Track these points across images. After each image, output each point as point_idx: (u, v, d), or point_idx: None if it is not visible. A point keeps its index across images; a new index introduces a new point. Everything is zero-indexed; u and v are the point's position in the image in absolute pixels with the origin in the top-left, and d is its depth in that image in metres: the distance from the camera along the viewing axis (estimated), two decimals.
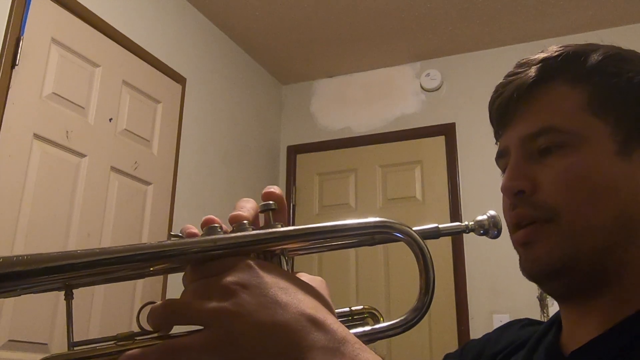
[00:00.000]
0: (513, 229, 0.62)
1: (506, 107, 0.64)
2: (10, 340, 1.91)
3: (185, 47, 2.97)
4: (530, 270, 0.60)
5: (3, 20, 2.04)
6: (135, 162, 2.54)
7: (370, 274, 3.29)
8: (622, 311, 0.56)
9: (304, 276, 0.49)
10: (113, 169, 2.42)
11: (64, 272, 0.44)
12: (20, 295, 0.44)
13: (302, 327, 0.42)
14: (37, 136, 2.11)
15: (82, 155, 2.29)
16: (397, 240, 0.51)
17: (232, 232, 0.48)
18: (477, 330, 2.98)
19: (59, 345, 2.04)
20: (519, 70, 0.64)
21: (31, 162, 2.08)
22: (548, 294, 0.64)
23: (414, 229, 0.52)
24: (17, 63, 2.05)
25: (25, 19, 2.10)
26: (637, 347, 0.53)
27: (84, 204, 2.26)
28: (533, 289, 2.71)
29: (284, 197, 0.53)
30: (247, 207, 0.51)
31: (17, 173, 2.02)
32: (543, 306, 2.81)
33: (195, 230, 0.50)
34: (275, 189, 0.52)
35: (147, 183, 2.60)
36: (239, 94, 3.39)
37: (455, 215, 3.21)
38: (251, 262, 0.45)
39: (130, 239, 2.47)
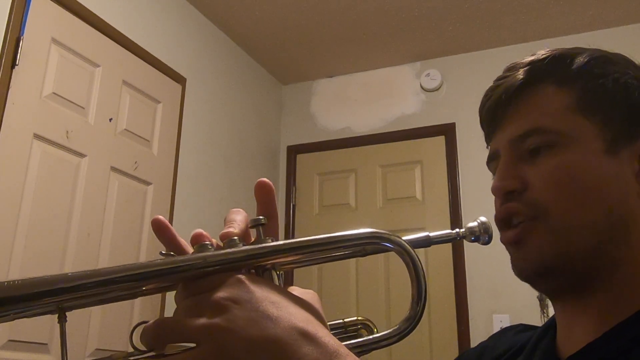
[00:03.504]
0: (503, 227, 0.62)
1: (495, 110, 0.65)
2: (10, 340, 1.92)
3: (185, 47, 2.97)
4: (522, 269, 0.60)
5: (3, 20, 2.04)
6: (135, 162, 2.54)
7: (371, 284, 3.29)
8: (616, 310, 0.56)
9: (295, 290, 0.49)
10: (113, 169, 2.42)
11: (55, 296, 0.44)
12: (13, 320, 0.44)
13: (293, 341, 0.42)
14: (37, 136, 2.11)
15: (82, 155, 2.29)
16: (388, 250, 0.51)
17: (222, 248, 0.48)
18: (477, 330, 2.98)
19: (59, 346, 2.03)
20: (507, 74, 0.65)
21: (31, 162, 2.08)
22: (541, 292, 0.64)
23: (405, 238, 0.52)
24: (17, 63, 2.05)
25: (25, 19, 2.10)
26: (633, 351, 0.53)
27: (84, 204, 2.26)
28: (533, 289, 2.70)
29: (276, 196, 0.53)
30: (238, 219, 0.51)
31: (17, 173, 2.03)
32: (543, 306, 2.81)
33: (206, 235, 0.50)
34: (266, 182, 0.52)
35: (147, 183, 2.60)
36: (239, 94, 3.39)
37: (455, 215, 3.21)
38: (242, 277, 0.45)
39: (130, 239, 2.47)
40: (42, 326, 2.01)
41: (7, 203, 1.98)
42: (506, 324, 2.33)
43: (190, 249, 0.50)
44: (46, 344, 2.02)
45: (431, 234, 0.57)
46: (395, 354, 3.04)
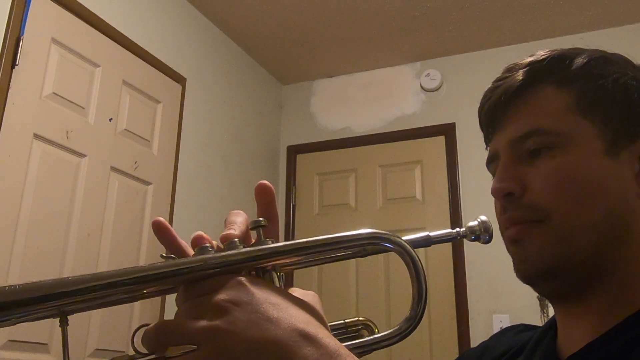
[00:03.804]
0: (505, 230, 0.62)
1: (494, 111, 0.65)
2: (10, 340, 1.92)
3: (185, 47, 2.97)
4: (524, 272, 0.60)
5: (3, 20, 2.04)
6: (135, 162, 2.54)
7: (371, 285, 3.28)
8: (616, 311, 0.57)
9: (296, 291, 0.49)
10: (113, 169, 2.42)
11: (57, 300, 0.44)
12: (15, 324, 0.44)
13: (293, 342, 0.42)
14: (37, 136, 2.11)
15: (82, 155, 2.29)
16: (388, 250, 0.51)
17: (222, 250, 0.48)
18: (477, 330, 2.98)
19: (59, 346, 2.04)
20: (507, 74, 0.65)
21: (31, 162, 2.08)
22: (542, 295, 0.64)
23: (405, 238, 0.52)
24: (17, 63, 2.05)
25: (25, 19, 2.10)
26: (632, 351, 0.53)
27: (84, 204, 2.26)
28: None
29: (276, 198, 0.53)
30: (238, 221, 0.51)
31: (17, 173, 2.03)
32: (543, 306, 2.81)
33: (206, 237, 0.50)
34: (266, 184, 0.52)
35: (147, 183, 2.60)
36: (239, 94, 3.39)
37: (455, 215, 3.21)
38: (242, 279, 0.45)
39: (130, 239, 2.47)
40: (42, 326, 2.01)
41: (7, 203, 1.98)
42: (506, 324, 2.34)
43: (190, 251, 0.50)
44: (46, 344, 2.02)
45: (431, 234, 0.56)
46: (395, 354, 3.04)
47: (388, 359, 3.06)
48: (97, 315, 2.22)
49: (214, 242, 0.50)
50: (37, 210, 2.07)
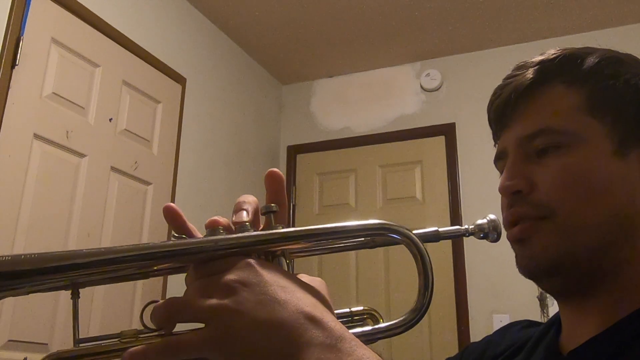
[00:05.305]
0: (509, 227, 0.62)
1: (504, 108, 0.65)
2: (10, 340, 1.92)
3: (185, 47, 2.97)
4: (527, 267, 0.61)
5: (3, 20, 2.04)
6: (135, 162, 2.54)
7: (371, 276, 3.29)
8: (619, 310, 0.57)
9: (303, 277, 0.50)
10: (113, 169, 2.43)
11: (70, 271, 0.45)
12: (28, 293, 0.46)
13: (299, 325, 0.43)
14: (37, 136, 2.11)
15: (82, 155, 2.29)
16: (396, 242, 0.52)
17: (233, 232, 0.49)
18: (477, 330, 2.98)
19: (59, 345, 2.04)
20: (517, 72, 0.65)
21: (31, 162, 2.08)
22: (545, 290, 0.65)
23: (414, 232, 0.52)
24: (17, 63, 2.05)
25: (25, 19, 2.10)
26: (633, 346, 0.53)
27: (84, 204, 2.26)
28: (533, 288, 2.71)
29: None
30: (249, 205, 0.52)
31: (17, 173, 2.03)
32: (543, 306, 2.81)
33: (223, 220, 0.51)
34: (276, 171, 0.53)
35: (147, 183, 2.60)
36: (239, 94, 3.39)
37: (455, 215, 3.21)
38: (251, 261, 0.46)
39: (130, 239, 2.47)
40: (42, 326, 2.01)
41: (7, 203, 1.98)
42: (506, 323, 2.34)
43: (200, 236, 0.51)
44: (46, 344, 2.02)
45: (440, 229, 0.57)
46: (395, 354, 3.04)
47: (388, 358, 3.06)
48: (98, 307, 2.22)
49: (226, 220, 0.50)
50: (37, 210, 2.07)
